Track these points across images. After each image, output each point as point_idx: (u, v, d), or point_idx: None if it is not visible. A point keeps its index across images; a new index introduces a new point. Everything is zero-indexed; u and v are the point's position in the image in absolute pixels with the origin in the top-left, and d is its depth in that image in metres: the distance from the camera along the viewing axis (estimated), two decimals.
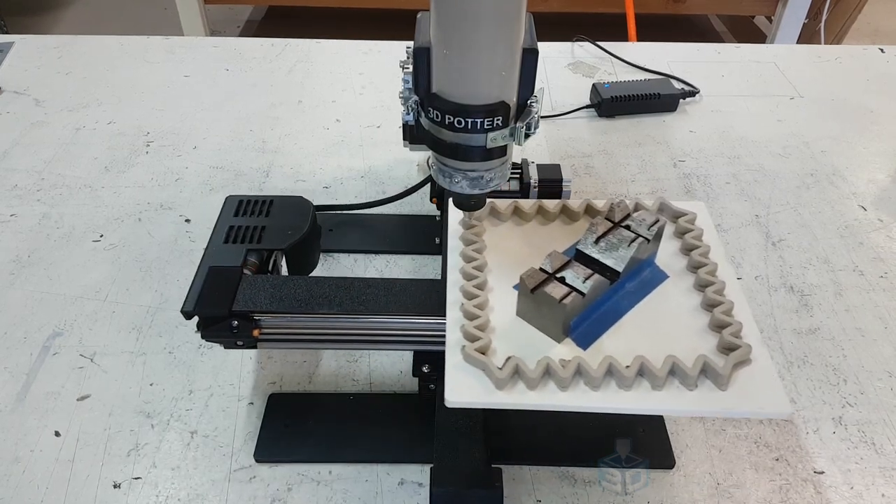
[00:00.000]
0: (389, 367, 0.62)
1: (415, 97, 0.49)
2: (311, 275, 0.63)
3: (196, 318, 0.51)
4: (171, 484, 0.54)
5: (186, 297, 0.51)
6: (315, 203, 0.81)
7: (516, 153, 0.73)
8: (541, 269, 0.47)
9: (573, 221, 0.57)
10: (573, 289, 0.45)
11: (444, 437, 0.53)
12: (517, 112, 0.48)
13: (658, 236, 0.51)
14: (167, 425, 0.57)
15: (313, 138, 0.92)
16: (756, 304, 0.69)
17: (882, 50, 1.14)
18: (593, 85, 0.98)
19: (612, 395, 0.44)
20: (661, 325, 0.48)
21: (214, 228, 0.58)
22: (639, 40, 1.80)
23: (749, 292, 0.70)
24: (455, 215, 0.56)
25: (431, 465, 0.51)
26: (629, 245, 0.49)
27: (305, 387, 0.61)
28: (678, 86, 1.00)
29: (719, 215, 0.80)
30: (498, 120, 0.46)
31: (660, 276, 0.51)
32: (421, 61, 0.46)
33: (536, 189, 0.74)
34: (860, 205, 0.82)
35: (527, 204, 0.57)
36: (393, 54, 1.11)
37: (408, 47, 0.48)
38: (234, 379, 0.61)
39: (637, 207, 0.56)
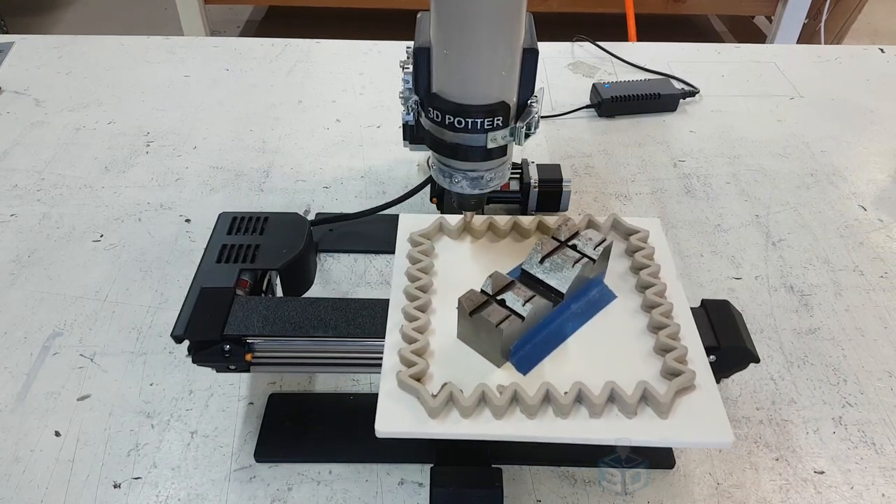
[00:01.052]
0: None
1: (415, 97, 0.49)
2: (306, 294, 0.61)
3: (187, 342, 0.49)
4: (171, 484, 0.54)
5: (177, 321, 0.50)
6: (314, 204, 0.81)
7: (516, 153, 0.73)
8: (482, 290, 0.45)
9: (524, 238, 0.55)
10: (513, 312, 0.44)
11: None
12: (517, 112, 0.48)
13: (605, 256, 0.49)
14: (167, 425, 0.57)
15: (313, 138, 0.92)
16: (756, 304, 0.69)
17: (882, 50, 1.14)
18: (593, 85, 0.98)
19: (549, 424, 0.42)
20: (605, 348, 0.47)
21: (207, 247, 0.56)
22: (639, 40, 1.80)
23: (749, 292, 0.70)
24: (404, 232, 0.55)
25: (431, 465, 0.51)
26: (573, 265, 0.47)
27: (305, 387, 0.61)
28: (678, 86, 1.00)
29: (719, 215, 0.80)
30: (498, 120, 0.46)
31: (608, 297, 0.50)
32: (421, 61, 0.46)
33: (536, 189, 0.74)
34: (860, 205, 0.82)
35: (477, 220, 0.55)
36: (393, 54, 1.11)
37: (408, 47, 0.48)
38: (234, 379, 0.61)
39: (590, 224, 0.55)
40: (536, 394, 0.42)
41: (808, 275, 0.72)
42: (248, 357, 0.50)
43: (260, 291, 0.57)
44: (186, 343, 0.49)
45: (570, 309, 0.49)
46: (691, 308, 0.50)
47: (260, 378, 0.61)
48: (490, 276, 0.46)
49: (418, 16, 0.49)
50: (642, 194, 0.83)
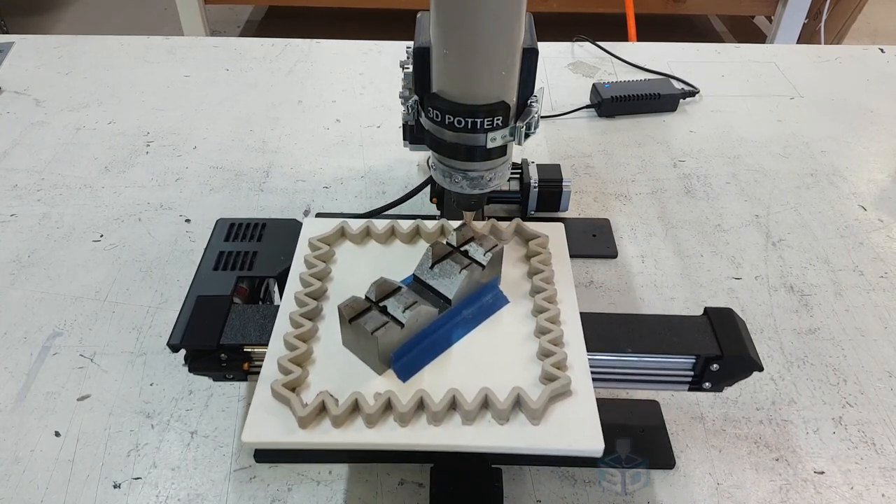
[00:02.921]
0: None
1: (415, 97, 0.49)
2: None
3: (183, 351, 0.49)
4: (171, 484, 0.54)
5: (173, 329, 0.49)
6: (314, 204, 0.81)
7: (516, 153, 0.73)
8: (365, 297, 0.45)
9: (428, 244, 0.55)
10: (393, 319, 0.43)
11: None
12: (517, 112, 0.48)
13: (495, 261, 0.49)
14: (167, 425, 0.57)
15: (313, 138, 0.92)
16: (756, 304, 0.69)
17: (882, 50, 1.14)
18: (593, 85, 0.98)
19: (420, 432, 0.42)
20: (489, 354, 0.46)
21: (204, 254, 0.56)
22: (639, 40, 1.80)
23: (749, 292, 0.70)
24: (305, 237, 0.54)
25: (431, 465, 0.51)
26: (461, 271, 0.47)
27: None
28: (678, 86, 1.00)
29: (719, 215, 0.80)
30: (498, 119, 0.46)
31: (501, 302, 0.50)
32: (421, 61, 0.46)
33: (536, 189, 0.74)
34: (860, 205, 0.82)
35: (380, 224, 0.55)
36: (393, 54, 1.11)
37: (408, 47, 0.48)
38: None
39: (493, 229, 0.55)
40: (409, 401, 0.42)
41: (808, 275, 0.72)
42: (246, 366, 0.49)
43: (258, 299, 0.57)
44: (183, 351, 0.49)
45: (461, 314, 0.48)
46: (694, 315, 0.50)
47: None
48: (374, 283, 0.45)
49: (418, 16, 0.49)
50: (642, 194, 0.83)
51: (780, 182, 0.85)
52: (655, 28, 2.39)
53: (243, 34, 2.57)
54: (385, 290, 0.45)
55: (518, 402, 0.42)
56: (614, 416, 0.58)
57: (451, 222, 0.54)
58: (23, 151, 0.88)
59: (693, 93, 1.00)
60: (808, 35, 2.22)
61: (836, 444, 0.57)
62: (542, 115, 0.76)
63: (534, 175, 0.74)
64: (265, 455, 0.55)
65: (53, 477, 0.54)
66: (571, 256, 0.73)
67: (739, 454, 0.56)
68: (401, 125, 0.78)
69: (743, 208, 0.81)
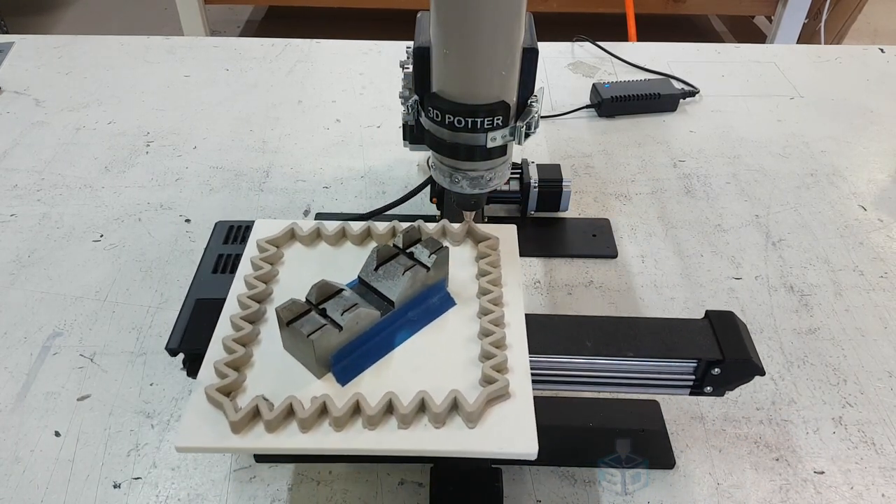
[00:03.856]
0: None
1: (415, 97, 0.49)
2: None
3: (182, 355, 0.49)
4: (171, 484, 0.54)
5: (172, 333, 0.49)
6: (314, 204, 0.81)
7: (516, 153, 0.73)
8: (306, 299, 0.44)
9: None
10: (332, 322, 0.43)
11: None
12: (517, 111, 0.48)
13: (441, 263, 0.48)
14: (167, 425, 0.57)
15: (313, 138, 0.92)
16: (756, 304, 0.69)
17: (882, 50, 1.14)
18: (593, 85, 0.98)
19: (355, 436, 0.41)
20: (432, 356, 0.46)
21: (203, 257, 0.56)
22: (639, 40, 1.80)
23: (749, 292, 0.70)
24: (253, 240, 0.54)
25: (431, 465, 0.51)
26: (404, 273, 0.46)
27: None
28: (678, 86, 1.00)
29: (719, 215, 0.80)
30: (498, 119, 0.46)
31: (448, 304, 0.49)
32: (421, 61, 0.46)
33: (536, 189, 0.74)
34: (860, 205, 0.82)
35: (330, 226, 0.54)
36: (393, 54, 1.11)
37: (408, 47, 0.48)
38: None
39: (444, 231, 0.54)
40: (345, 405, 0.41)
41: (808, 275, 0.72)
42: None
43: None
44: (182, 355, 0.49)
45: (405, 316, 0.47)
46: (695, 318, 0.49)
47: None
48: (315, 285, 0.44)
49: (418, 15, 0.49)
50: (642, 194, 0.83)
51: (780, 182, 0.85)
52: (655, 28, 2.39)
53: (243, 34, 2.57)
54: (326, 293, 0.45)
55: (455, 405, 0.42)
56: (614, 416, 0.58)
57: (401, 224, 0.53)
58: (23, 151, 0.88)
59: (693, 93, 1.00)
60: (808, 35, 2.23)
61: (836, 444, 0.57)
62: (542, 115, 0.76)
63: (534, 175, 0.74)
64: (265, 455, 0.55)
65: (53, 477, 0.54)
66: (572, 256, 0.74)
67: (739, 454, 0.56)
68: (401, 125, 0.78)
69: (743, 208, 0.81)
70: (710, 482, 0.54)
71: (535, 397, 0.60)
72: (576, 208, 0.80)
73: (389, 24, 1.53)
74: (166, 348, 0.48)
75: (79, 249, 0.74)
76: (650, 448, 0.56)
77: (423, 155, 0.86)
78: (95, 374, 0.61)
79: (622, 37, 1.76)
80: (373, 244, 0.54)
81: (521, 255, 0.73)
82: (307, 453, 0.41)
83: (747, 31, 2.61)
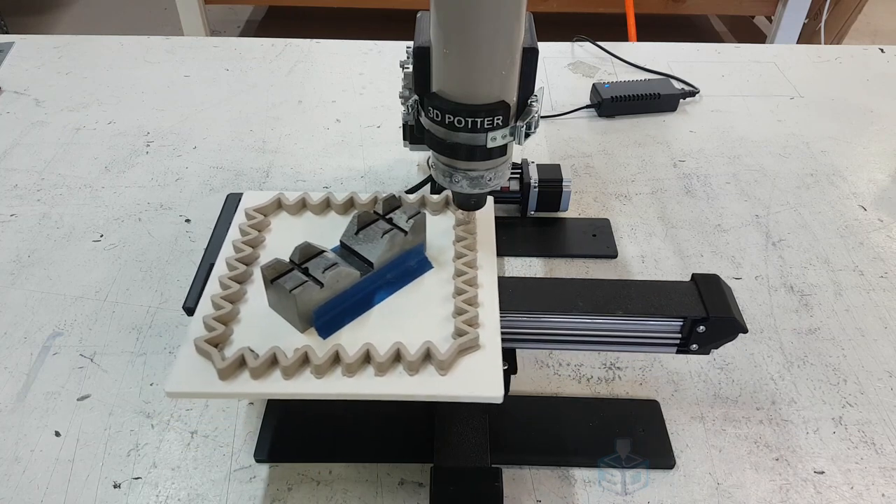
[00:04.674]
0: None
1: (415, 97, 0.49)
2: None
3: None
4: (171, 484, 0.54)
5: (188, 294, 0.52)
6: None
7: (516, 153, 0.73)
8: (290, 259, 0.47)
9: None
10: (313, 279, 0.46)
11: (444, 437, 0.53)
12: (517, 111, 0.48)
13: (418, 228, 0.52)
14: (167, 425, 0.57)
15: (313, 138, 0.92)
16: (756, 304, 0.69)
17: (882, 50, 1.14)
18: (593, 85, 0.98)
19: (335, 382, 0.44)
20: (408, 313, 0.49)
21: (215, 226, 0.58)
22: (639, 40, 1.80)
23: (749, 292, 0.70)
24: (242, 208, 0.57)
25: (431, 465, 0.51)
26: (382, 236, 0.50)
27: None
28: (678, 86, 1.00)
29: (719, 215, 0.80)
30: (498, 119, 0.46)
31: (425, 267, 0.53)
32: (421, 61, 0.46)
33: (536, 189, 0.74)
34: (860, 205, 0.82)
35: (315, 196, 0.58)
36: (393, 54, 1.11)
37: (408, 47, 0.48)
38: None
39: (425, 201, 0.58)
40: (325, 354, 0.44)
41: (808, 275, 0.72)
42: None
43: None
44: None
45: (384, 278, 0.51)
46: (682, 281, 0.53)
47: None
48: (298, 246, 0.48)
49: (418, 15, 0.49)
50: (642, 194, 0.83)
51: (780, 182, 0.85)
52: (655, 28, 2.39)
53: (243, 34, 2.57)
54: (308, 254, 0.48)
55: (428, 355, 0.45)
56: (614, 416, 0.58)
57: (382, 194, 0.56)
58: (23, 151, 0.88)
59: (693, 93, 1.00)
60: (808, 35, 2.23)
61: (836, 444, 0.57)
62: (542, 115, 0.76)
63: (534, 175, 0.74)
64: (265, 455, 0.55)
65: (53, 477, 0.54)
66: (572, 256, 0.74)
67: (739, 454, 0.56)
68: (401, 125, 0.78)
69: (743, 208, 0.81)
70: (710, 482, 0.54)
71: (534, 396, 0.60)
72: (576, 208, 0.80)
73: (389, 24, 1.53)
74: (183, 307, 0.52)
75: (79, 249, 0.74)
76: (650, 448, 0.56)
77: (423, 155, 0.86)
78: (95, 374, 0.61)
79: (622, 37, 1.77)
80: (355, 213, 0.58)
81: (521, 255, 0.73)
82: (289, 397, 0.44)
83: (747, 31, 2.61)
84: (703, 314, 0.50)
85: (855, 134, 0.94)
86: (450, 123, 0.46)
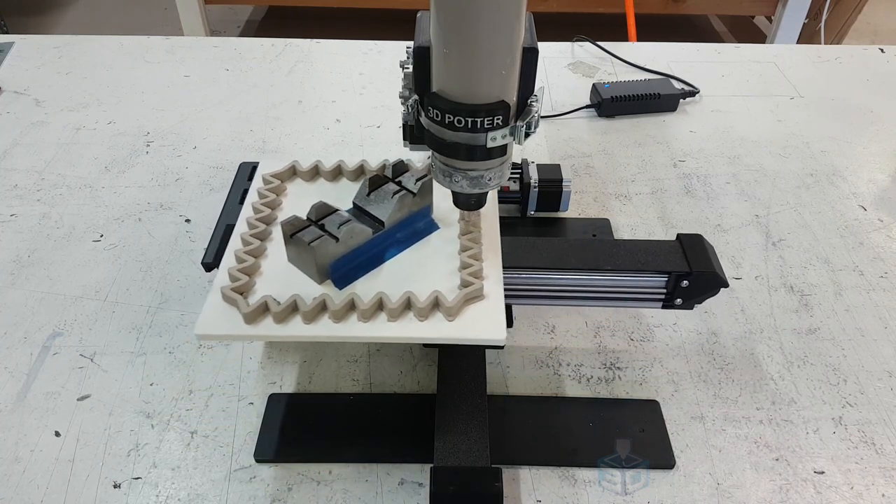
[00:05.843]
0: (389, 367, 0.62)
1: (415, 97, 0.49)
2: None
3: (215, 271, 0.54)
4: (171, 484, 0.54)
5: (206, 252, 0.57)
6: None
7: (516, 153, 0.73)
8: (307, 217, 0.51)
9: None
10: (328, 234, 0.50)
11: (444, 437, 0.53)
12: (517, 111, 0.48)
13: (425, 190, 0.55)
14: (167, 425, 0.57)
15: (313, 138, 0.92)
16: (756, 304, 0.69)
17: (882, 50, 1.14)
18: (593, 85, 0.98)
19: (351, 326, 0.48)
20: (417, 268, 0.53)
21: (230, 192, 0.64)
22: (639, 40, 1.80)
23: (749, 292, 0.70)
24: (259, 174, 0.62)
25: (431, 465, 0.51)
26: (392, 196, 0.53)
27: (305, 387, 0.61)
28: (678, 86, 1.00)
29: (719, 215, 0.80)
30: (498, 119, 0.46)
31: (432, 228, 0.57)
32: (421, 61, 0.46)
33: (536, 189, 0.74)
34: (860, 205, 0.82)
35: (328, 163, 0.63)
36: (393, 54, 1.11)
37: (408, 47, 0.48)
38: (234, 379, 0.61)
39: (429, 171, 0.60)
40: (342, 302, 0.48)
41: (808, 275, 0.72)
42: None
43: None
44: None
45: (394, 236, 0.54)
46: (668, 240, 0.57)
47: (260, 378, 0.61)
48: (314, 205, 0.52)
49: (418, 15, 0.49)
50: (642, 194, 0.83)
51: (780, 182, 0.85)
52: (655, 28, 2.40)
53: (243, 34, 2.57)
54: (324, 212, 0.52)
55: (437, 303, 0.49)
56: (614, 416, 0.58)
57: (391, 160, 0.59)
58: (23, 151, 0.88)
59: (693, 93, 1.00)
60: (808, 35, 2.23)
61: (836, 444, 0.57)
62: (542, 114, 0.76)
63: (534, 175, 0.74)
64: (265, 455, 0.55)
65: (53, 477, 0.54)
66: None
67: (739, 454, 0.56)
68: (401, 125, 0.78)
69: (743, 208, 0.81)
70: (710, 482, 0.54)
71: (534, 397, 0.60)
72: (576, 208, 0.80)
73: (389, 24, 1.53)
74: (202, 262, 0.56)
75: (79, 249, 0.74)
76: (650, 448, 0.56)
77: (423, 155, 0.86)
78: (95, 374, 0.61)
79: (622, 37, 1.77)
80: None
81: None
82: (309, 340, 0.48)
83: (747, 31, 2.61)
84: (687, 269, 0.54)
85: (855, 134, 0.94)
86: (450, 123, 0.46)
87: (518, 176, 0.76)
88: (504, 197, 0.77)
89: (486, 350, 0.62)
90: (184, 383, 0.61)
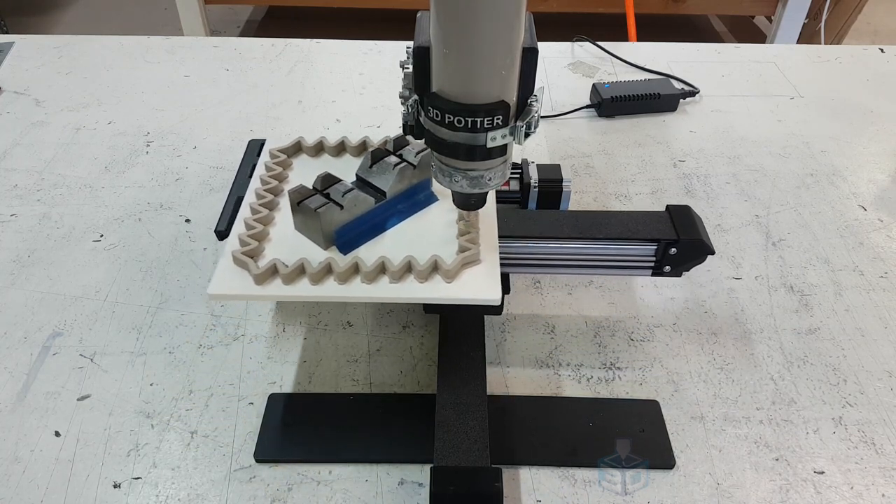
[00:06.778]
0: (389, 367, 0.62)
1: (414, 97, 0.49)
2: None
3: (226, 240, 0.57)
4: (171, 484, 0.54)
5: (218, 221, 0.58)
6: None
7: (516, 153, 0.73)
8: (312, 186, 0.54)
9: None
10: (333, 201, 0.53)
11: (444, 437, 0.53)
12: (517, 111, 0.48)
13: (425, 163, 0.57)
14: (167, 425, 0.57)
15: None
16: (756, 304, 0.69)
17: (882, 50, 1.14)
18: (593, 85, 0.98)
19: (355, 287, 0.51)
20: (417, 235, 0.56)
21: (239, 167, 0.65)
22: (639, 40, 1.80)
23: (749, 292, 0.70)
24: (266, 149, 0.65)
25: (431, 465, 0.51)
26: (393, 168, 0.56)
27: (305, 387, 0.61)
28: (678, 86, 1.00)
29: (719, 215, 0.80)
30: (498, 119, 0.46)
31: (431, 199, 0.60)
32: (421, 61, 0.46)
33: (536, 189, 0.74)
34: (860, 205, 0.82)
35: (332, 139, 0.66)
36: (393, 54, 1.11)
37: (408, 47, 0.48)
38: (234, 379, 0.61)
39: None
40: (346, 265, 0.51)
41: (808, 275, 0.72)
42: None
43: None
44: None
45: (396, 207, 0.57)
46: (657, 210, 0.60)
47: (260, 378, 0.61)
48: (319, 175, 0.54)
49: (418, 15, 0.49)
50: (642, 194, 0.83)
51: (780, 182, 0.85)
52: (655, 28, 2.40)
53: (243, 34, 2.57)
54: (329, 182, 0.55)
55: (436, 267, 0.52)
56: (614, 417, 0.58)
57: (392, 136, 0.61)
58: (23, 151, 0.88)
59: (693, 93, 1.00)
60: (808, 35, 2.23)
61: (836, 444, 0.57)
62: (542, 115, 0.76)
63: (534, 175, 0.74)
64: (265, 455, 0.55)
65: (53, 477, 0.54)
66: None
67: (739, 454, 0.56)
68: (401, 125, 0.78)
69: (743, 208, 0.81)
70: (710, 482, 0.54)
71: (535, 396, 0.60)
72: (576, 208, 0.80)
73: (389, 24, 1.53)
74: (215, 231, 0.57)
75: (79, 249, 0.74)
76: (650, 448, 0.56)
77: None
78: (95, 374, 0.61)
79: (622, 37, 1.77)
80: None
81: None
82: (316, 300, 0.52)
83: (747, 31, 2.61)
84: (675, 237, 0.57)
85: (855, 134, 0.94)
86: (450, 123, 0.46)
87: (518, 176, 0.75)
88: (504, 197, 0.77)
89: (487, 350, 0.62)
90: (184, 383, 0.61)
